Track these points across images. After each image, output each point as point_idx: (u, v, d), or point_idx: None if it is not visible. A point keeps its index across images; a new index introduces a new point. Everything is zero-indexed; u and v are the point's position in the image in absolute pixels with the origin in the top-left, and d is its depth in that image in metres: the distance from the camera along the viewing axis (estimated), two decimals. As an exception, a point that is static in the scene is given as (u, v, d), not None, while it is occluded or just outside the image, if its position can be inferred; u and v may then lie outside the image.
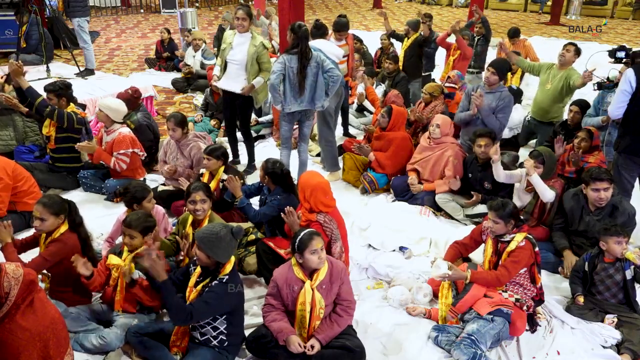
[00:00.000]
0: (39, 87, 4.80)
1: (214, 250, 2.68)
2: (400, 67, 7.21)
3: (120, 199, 3.58)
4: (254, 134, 6.22)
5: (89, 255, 3.20)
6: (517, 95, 5.90)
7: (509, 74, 6.98)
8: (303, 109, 4.62)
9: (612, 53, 4.11)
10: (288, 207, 3.41)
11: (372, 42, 9.24)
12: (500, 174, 4.14)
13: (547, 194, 3.86)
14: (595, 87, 4.47)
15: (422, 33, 7.10)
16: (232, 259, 2.79)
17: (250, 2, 17.56)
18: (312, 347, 2.76)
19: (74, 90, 5.04)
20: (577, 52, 5.37)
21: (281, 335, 2.79)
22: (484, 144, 4.33)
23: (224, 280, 2.71)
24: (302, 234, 2.84)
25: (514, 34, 8.09)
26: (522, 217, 3.45)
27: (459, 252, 3.57)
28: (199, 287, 2.75)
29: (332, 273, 2.87)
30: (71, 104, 4.81)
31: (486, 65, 5.19)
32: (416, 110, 5.65)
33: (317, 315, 2.83)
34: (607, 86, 4.39)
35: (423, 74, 7.56)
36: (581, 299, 3.31)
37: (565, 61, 5.33)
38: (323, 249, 2.84)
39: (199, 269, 2.83)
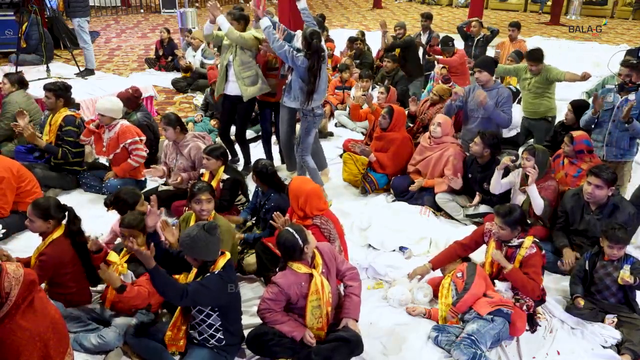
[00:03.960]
0: (39, 87, 4.80)
1: (194, 252, 2.69)
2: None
3: (112, 207, 3.53)
4: (254, 134, 6.25)
5: (86, 260, 3.18)
6: (514, 95, 5.94)
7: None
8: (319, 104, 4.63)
9: (634, 52, 4.06)
10: (276, 212, 3.38)
11: (372, 42, 9.23)
12: (497, 186, 4.12)
13: (539, 206, 3.85)
14: (616, 90, 4.41)
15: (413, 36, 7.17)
16: (226, 256, 2.78)
17: (250, 3, 17.54)
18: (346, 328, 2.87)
19: (73, 90, 5.04)
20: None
21: (297, 334, 2.82)
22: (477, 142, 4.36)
23: (216, 273, 2.70)
24: (293, 234, 2.81)
25: (514, 25, 8.05)
26: (528, 222, 3.45)
27: (456, 255, 3.55)
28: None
29: (323, 255, 2.93)
30: (66, 108, 4.76)
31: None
32: (420, 107, 5.66)
33: (328, 301, 2.86)
34: (630, 89, 4.31)
35: (425, 74, 7.58)
36: (581, 302, 3.30)
37: (536, 70, 5.43)
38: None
39: (194, 270, 2.83)
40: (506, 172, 4.21)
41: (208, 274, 2.70)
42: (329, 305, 2.88)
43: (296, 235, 2.80)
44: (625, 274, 3.17)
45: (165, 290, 2.63)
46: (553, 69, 5.39)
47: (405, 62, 7.29)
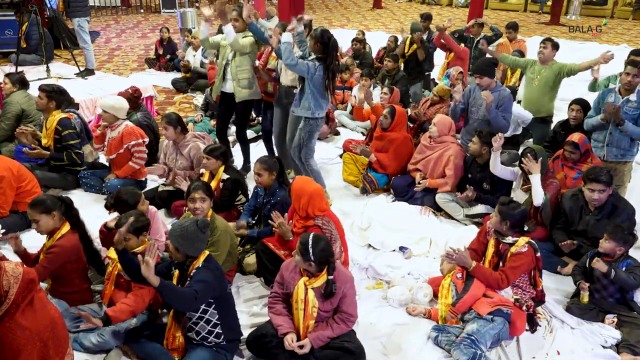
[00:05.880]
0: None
1: (179, 242, 2.68)
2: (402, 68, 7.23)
3: (113, 210, 3.50)
4: (253, 134, 6.24)
5: (92, 250, 3.23)
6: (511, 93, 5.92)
7: (508, 72, 6.97)
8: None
9: None
10: (275, 212, 3.38)
11: (372, 42, 9.24)
12: (497, 166, 4.15)
13: (539, 198, 3.85)
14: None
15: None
16: (205, 252, 2.77)
17: (250, 3, 17.56)
18: (302, 347, 2.77)
19: (73, 90, 5.03)
20: (555, 47, 5.41)
21: (281, 329, 2.83)
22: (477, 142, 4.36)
23: (201, 266, 2.71)
24: (322, 244, 2.79)
25: (511, 26, 8.06)
26: (526, 229, 3.43)
27: (475, 259, 3.43)
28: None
29: (336, 283, 2.83)
30: (58, 110, 4.71)
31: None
32: (420, 107, 5.65)
33: (311, 314, 2.82)
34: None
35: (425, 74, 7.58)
36: (585, 285, 3.32)
37: (545, 57, 5.38)
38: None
39: (177, 272, 2.82)
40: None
41: (194, 271, 2.70)
42: (311, 319, 2.83)
43: (322, 247, 2.76)
44: (584, 296, 3.31)
45: (179, 302, 2.63)
46: (565, 63, 5.29)
47: (408, 64, 7.32)
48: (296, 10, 6.64)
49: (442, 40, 7.00)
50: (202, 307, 2.73)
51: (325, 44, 4.26)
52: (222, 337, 2.80)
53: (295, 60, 4.20)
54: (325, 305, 2.84)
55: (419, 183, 4.68)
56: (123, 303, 2.93)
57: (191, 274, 2.71)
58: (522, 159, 3.97)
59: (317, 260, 2.75)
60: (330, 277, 2.81)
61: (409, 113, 5.81)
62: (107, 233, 3.31)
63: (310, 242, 2.75)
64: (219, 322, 2.78)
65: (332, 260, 2.81)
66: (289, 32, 4.28)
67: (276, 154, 5.36)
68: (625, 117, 4.25)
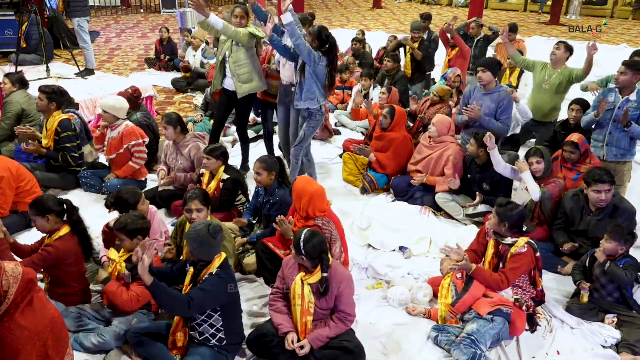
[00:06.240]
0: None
1: (193, 246, 2.70)
2: (410, 72, 7.22)
3: (113, 209, 3.50)
4: (253, 134, 6.24)
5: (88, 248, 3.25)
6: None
7: (507, 71, 6.97)
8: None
9: None
10: (280, 217, 3.41)
11: (372, 42, 9.24)
12: (499, 164, 4.15)
13: (535, 193, 3.90)
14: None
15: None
16: (222, 256, 2.78)
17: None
18: (302, 347, 2.77)
19: (73, 90, 5.02)
20: (568, 49, 5.32)
21: (281, 328, 2.83)
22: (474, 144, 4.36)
23: (214, 273, 2.71)
24: (315, 241, 2.79)
25: (511, 29, 8.05)
26: (525, 229, 3.44)
27: (476, 260, 3.46)
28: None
29: (332, 280, 2.83)
30: (59, 111, 4.70)
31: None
32: (420, 107, 5.65)
33: (307, 310, 2.83)
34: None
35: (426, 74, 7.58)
36: (586, 285, 3.33)
37: (557, 60, 5.30)
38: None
39: (192, 269, 2.83)
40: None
41: (206, 276, 2.71)
42: (307, 315, 2.83)
43: (314, 243, 2.77)
44: (584, 296, 3.33)
45: (172, 305, 2.65)
46: (574, 68, 5.24)
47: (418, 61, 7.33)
48: (295, 10, 6.61)
49: (451, 38, 6.94)
50: (208, 312, 2.74)
51: (323, 41, 4.26)
52: (225, 341, 2.82)
53: (303, 40, 4.17)
54: (321, 303, 2.85)
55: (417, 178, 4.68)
56: (133, 291, 3.00)
57: (203, 278, 2.72)
58: (530, 160, 4.01)
59: (309, 255, 2.76)
60: (325, 274, 2.81)
61: (411, 107, 5.81)
62: (109, 233, 3.31)
63: (303, 237, 2.77)
64: (222, 328, 2.79)
65: (326, 257, 2.81)
66: (287, 10, 4.22)
67: (277, 154, 5.37)
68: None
